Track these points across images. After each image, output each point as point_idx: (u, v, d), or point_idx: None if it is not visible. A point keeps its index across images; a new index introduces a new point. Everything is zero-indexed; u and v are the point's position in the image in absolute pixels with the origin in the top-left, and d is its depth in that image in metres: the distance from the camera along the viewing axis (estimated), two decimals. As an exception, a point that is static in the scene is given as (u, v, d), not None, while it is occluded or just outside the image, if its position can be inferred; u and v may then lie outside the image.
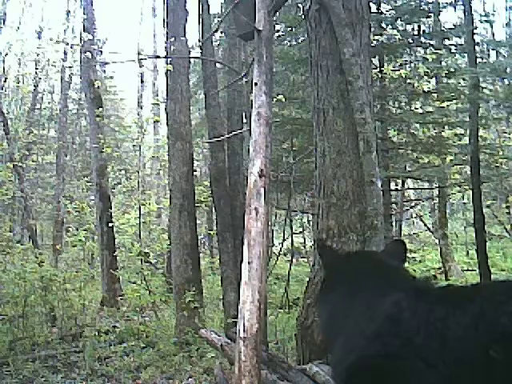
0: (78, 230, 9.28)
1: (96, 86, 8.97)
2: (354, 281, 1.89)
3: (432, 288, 1.76)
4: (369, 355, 1.58)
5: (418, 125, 8.50)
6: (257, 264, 2.62)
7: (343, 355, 1.69)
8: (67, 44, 13.86)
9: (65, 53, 16.62)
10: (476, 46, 6.37)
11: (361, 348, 1.62)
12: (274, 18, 4.36)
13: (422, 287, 1.75)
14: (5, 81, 16.62)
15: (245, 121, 6.45)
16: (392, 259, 2.06)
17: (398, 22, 8.01)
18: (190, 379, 4.67)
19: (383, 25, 7.93)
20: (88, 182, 13.80)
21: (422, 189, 13.21)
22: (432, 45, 7.81)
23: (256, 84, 3.04)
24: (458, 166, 8.47)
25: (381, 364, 1.56)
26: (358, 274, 1.91)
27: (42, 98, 19.24)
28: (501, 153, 8.63)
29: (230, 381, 3.24)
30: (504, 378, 1.38)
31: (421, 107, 8.95)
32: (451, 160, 8.04)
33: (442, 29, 8.07)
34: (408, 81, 7.88)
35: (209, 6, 6.38)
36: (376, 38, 7.34)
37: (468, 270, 11.58)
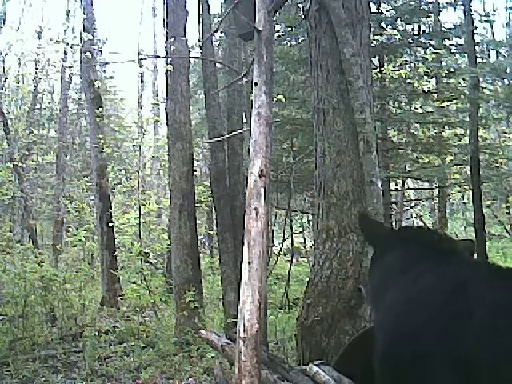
0: (78, 229, 9.26)
1: (96, 86, 8.97)
2: (410, 254, 1.72)
3: (499, 270, 1.53)
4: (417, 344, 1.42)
5: (418, 125, 8.51)
6: (257, 264, 2.62)
7: (390, 333, 1.54)
8: (67, 44, 13.83)
9: (65, 53, 16.59)
10: (476, 46, 6.37)
11: (412, 335, 1.46)
12: (274, 18, 4.36)
13: (487, 268, 1.58)
14: (5, 81, 16.60)
15: (245, 121, 6.45)
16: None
17: (398, 22, 8.02)
18: (190, 379, 4.67)
19: (383, 25, 7.94)
20: (88, 181, 13.77)
21: (422, 189, 13.22)
22: (432, 45, 7.81)
23: (256, 84, 3.04)
24: (458, 166, 8.47)
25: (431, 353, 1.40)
26: (416, 248, 1.73)
27: (42, 98, 19.21)
28: (501, 153, 8.64)
29: (230, 381, 3.23)
30: None
31: (421, 107, 8.94)
32: (451, 160, 8.05)
33: (442, 29, 8.06)
34: (408, 81, 7.89)
35: (209, 6, 6.39)
36: (376, 37, 7.35)
37: (468, 270, 11.56)
